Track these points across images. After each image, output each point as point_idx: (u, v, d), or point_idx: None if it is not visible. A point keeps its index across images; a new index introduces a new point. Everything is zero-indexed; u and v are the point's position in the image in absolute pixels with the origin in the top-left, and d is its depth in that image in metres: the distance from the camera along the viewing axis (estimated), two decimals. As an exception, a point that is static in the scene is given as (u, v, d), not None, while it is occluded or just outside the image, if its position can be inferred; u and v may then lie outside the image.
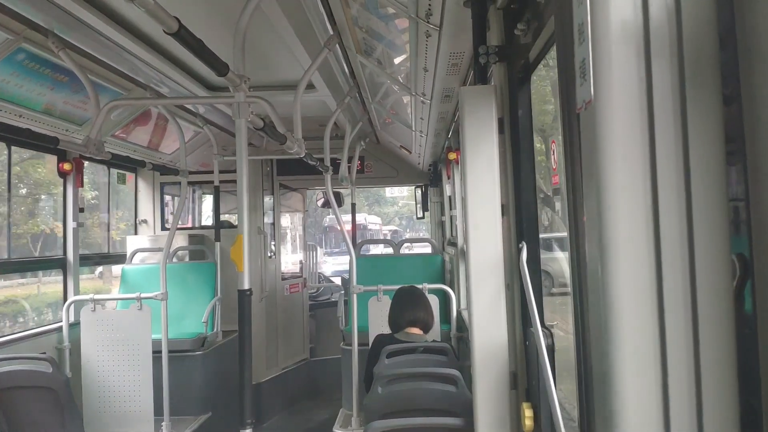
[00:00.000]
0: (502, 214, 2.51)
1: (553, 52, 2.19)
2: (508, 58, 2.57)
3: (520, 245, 2.39)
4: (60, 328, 5.52)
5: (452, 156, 5.73)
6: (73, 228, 5.86)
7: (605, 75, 0.89)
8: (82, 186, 5.89)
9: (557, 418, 1.95)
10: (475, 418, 2.59)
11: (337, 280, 10.88)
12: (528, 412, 2.36)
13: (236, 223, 8.01)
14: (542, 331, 2.14)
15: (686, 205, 0.87)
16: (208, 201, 8.75)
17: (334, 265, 21.49)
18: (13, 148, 5.27)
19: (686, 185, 0.87)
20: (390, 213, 45.20)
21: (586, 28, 0.93)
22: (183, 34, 2.27)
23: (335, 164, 6.18)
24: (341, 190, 8.79)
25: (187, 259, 7.28)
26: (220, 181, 6.99)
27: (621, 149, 0.87)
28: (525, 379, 2.52)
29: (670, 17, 0.85)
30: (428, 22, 2.85)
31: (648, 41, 0.86)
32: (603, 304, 0.94)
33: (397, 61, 4.35)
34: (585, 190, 1.08)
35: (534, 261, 2.40)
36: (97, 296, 5.60)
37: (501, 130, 2.51)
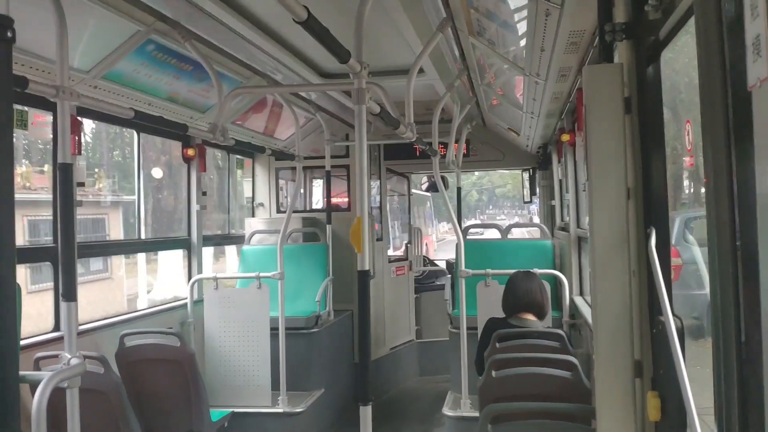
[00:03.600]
0: (628, 198, 2.42)
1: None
2: (635, 36, 2.46)
3: (648, 230, 2.31)
4: (185, 305, 5.88)
5: (565, 137, 5.57)
6: (197, 210, 6.21)
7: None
8: (204, 171, 6.22)
9: (690, 408, 1.89)
10: (597, 405, 2.53)
11: (442, 264, 10.92)
12: (654, 402, 2.29)
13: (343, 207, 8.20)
14: (673, 319, 2.07)
15: None
16: (317, 185, 9.00)
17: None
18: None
19: None
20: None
21: (760, 2, 0.88)
22: (310, 22, 2.34)
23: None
24: (446, 174, 8.77)
25: (300, 240, 7.55)
26: (331, 166, 7.19)
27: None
28: (650, 368, 2.44)
29: None
30: (549, 0, 2.78)
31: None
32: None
33: (510, 41, 4.28)
34: (759, 177, 1.03)
35: (664, 247, 2.31)
36: (219, 275, 5.92)
37: (628, 110, 2.42)
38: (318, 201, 8.90)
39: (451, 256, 10.57)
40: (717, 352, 1.61)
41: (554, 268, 6.35)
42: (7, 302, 1.28)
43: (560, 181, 7.03)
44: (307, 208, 8.53)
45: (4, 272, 1.27)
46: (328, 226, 7.18)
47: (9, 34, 1.25)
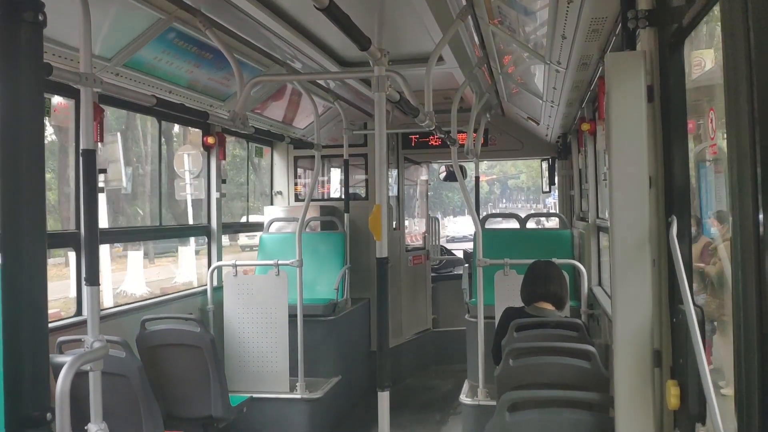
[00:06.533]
0: (650, 186, 2.41)
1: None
2: (658, 23, 2.44)
3: (670, 219, 2.30)
4: (205, 291, 5.94)
5: (585, 127, 5.52)
6: (216, 198, 6.26)
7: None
8: (224, 159, 6.26)
9: (710, 397, 1.88)
10: (615, 394, 2.53)
11: (460, 254, 10.92)
12: (674, 390, 2.28)
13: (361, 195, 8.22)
14: (694, 308, 2.06)
15: None
16: (334, 174, 9.03)
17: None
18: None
19: None
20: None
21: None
22: (332, 9, 2.34)
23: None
24: (464, 163, 8.76)
25: (318, 229, 7.58)
26: (349, 155, 7.21)
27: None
28: (670, 357, 2.43)
29: None
30: (571, -13, 2.76)
31: None
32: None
33: (530, 29, 4.25)
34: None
35: (685, 235, 2.30)
36: (239, 262, 5.98)
37: (650, 98, 2.40)
38: (336, 189, 8.93)
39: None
40: (738, 341, 1.61)
41: (573, 258, 6.33)
42: (38, 286, 1.31)
43: (580, 170, 6.99)
44: (325, 197, 8.56)
45: (36, 257, 1.30)
46: (346, 214, 7.21)
47: (40, 18, 1.26)
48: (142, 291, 14.56)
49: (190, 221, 11.07)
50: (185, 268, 17.70)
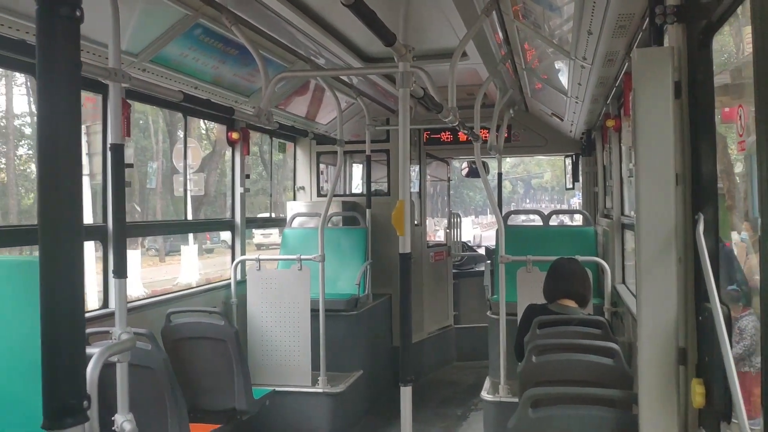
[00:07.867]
0: (676, 183, 2.39)
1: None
2: (687, 18, 2.42)
3: (696, 216, 2.28)
4: (229, 285, 6.01)
5: (610, 123, 5.47)
6: (241, 193, 6.32)
7: None
8: (248, 154, 6.31)
9: (737, 395, 1.87)
10: (639, 392, 2.52)
11: (481, 250, 10.89)
12: (699, 389, 2.27)
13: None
14: (720, 306, 2.04)
15: None
16: (356, 170, 9.06)
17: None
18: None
19: None
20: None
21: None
22: (358, 5, 2.35)
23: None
24: (486, 160, 8.72)
25: (340, 224, 7.61)
26: (371, 151, 7.22)
27: None
28: (695, 356, 2.41)
29: None
30: (597, -18, 2.74)
31: None
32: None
33: (555, 24, 4.22)
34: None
35: (712, 233, 2.28)
36: (262, 256, 6.03)
37: (677, 95, 2.38)
38: (357, 185, 8.96)
39: None
40: (765, 339, 1.60)
41: (596, 256, 6.28)
42: (75, 279, 1.34)
43: (604, 167, 6.93)
44: (347, 193, 8.59)
45: (73, 250, 1.33)
46: (368, 210, 7.23)
47: (77, 14, 1.28)
48: (138, 293, 13.64)
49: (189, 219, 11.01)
50: (186, 268, 16.95)
